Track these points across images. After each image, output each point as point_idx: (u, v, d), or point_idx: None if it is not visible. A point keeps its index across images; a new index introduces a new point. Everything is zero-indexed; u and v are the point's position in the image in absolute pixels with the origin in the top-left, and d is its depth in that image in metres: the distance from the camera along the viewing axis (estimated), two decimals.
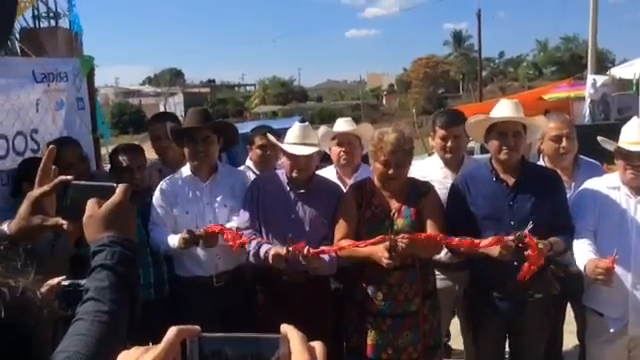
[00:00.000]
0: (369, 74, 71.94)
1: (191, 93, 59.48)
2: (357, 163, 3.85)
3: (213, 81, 75.44)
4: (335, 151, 3.80)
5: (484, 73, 46.42)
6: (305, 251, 3.02)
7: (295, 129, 3.37)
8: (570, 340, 3.74)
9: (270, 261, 3.09)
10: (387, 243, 2.90)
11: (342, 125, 3.87)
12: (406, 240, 2.88)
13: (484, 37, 44.62)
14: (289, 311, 3.29)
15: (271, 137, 3.79)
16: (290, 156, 3.28)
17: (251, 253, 3.25)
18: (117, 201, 1.35)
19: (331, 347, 3.07)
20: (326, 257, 3.17)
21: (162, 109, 43.38)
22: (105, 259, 1.24)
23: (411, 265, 3.10)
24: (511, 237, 2.84)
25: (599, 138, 3.34)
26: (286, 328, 0.81)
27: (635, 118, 3.29)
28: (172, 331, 0.81)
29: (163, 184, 3.51)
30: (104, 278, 1.22)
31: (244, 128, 5.68)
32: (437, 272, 3.59)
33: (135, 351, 0.82)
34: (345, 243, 3.08)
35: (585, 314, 3.32)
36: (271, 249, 3.12)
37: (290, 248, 3.03)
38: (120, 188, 1.36)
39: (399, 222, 3.13)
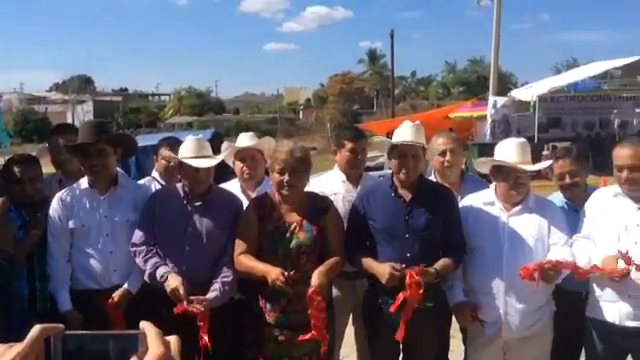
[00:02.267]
0: (287, 88, 72.37)
1: (102, 101, 57.41)
2: (260, 177, 3.91)
3: (125, 89, 73.17)
4: (238, 166, 3.87)
5: (397, 91, 48.00)
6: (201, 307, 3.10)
7: (189, 142, 3.41)
8: (453, 344, 4.00)
9: (168, 292, 3.15)
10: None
11: (244, 140, 3.97)
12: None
13: (398, 57, 46.17)
14: (189, 322, 3.34)
15: (167, 152, 3.85)
16: (190, 169, 3.32)
17: (147, 273, 3.27)
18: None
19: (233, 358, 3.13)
20: (217, 291, 3.23)
21: (70, 117, 41.64)
22: None
23: (310, 278, 3.16)
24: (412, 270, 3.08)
25: (478, 160, 3.64)
26: (144, 324, 0.87)
27: (511, 139, 3.61)
28: (35, 329, 0.86)
29: (61, 195, 3.45)
30: None
31: (157, 139, 5.63)
32: (336, 281, 3.76)
33: None
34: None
35: None
36: (169, 279, 3.17)
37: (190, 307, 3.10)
38: None
39: (300, 236, 3.21)
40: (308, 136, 34.72)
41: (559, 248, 3.25)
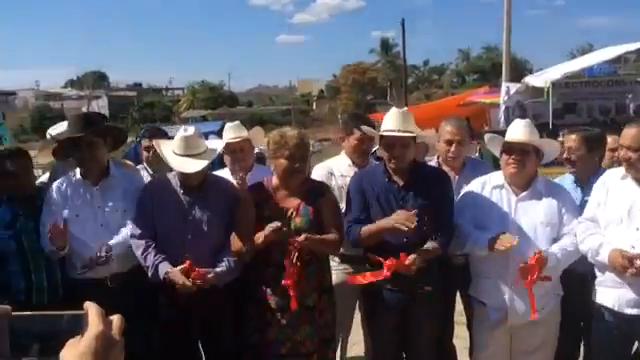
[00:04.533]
0: (300, 80, 72.28)
1: (116, 96, 57.85)
2: (250, 164, 4.03)
3: (140, 84, 73.58)
4: (227, 159, 3.95)
5: (410, 80, 47.73)
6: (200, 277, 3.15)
7: (178, 141, 3.34)
8: (460, 331, 3.96)
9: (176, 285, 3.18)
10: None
11: (231, 132, 4.00)
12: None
13: (410, 45, 45.92)
14: (190, 310, 3.35)
15: (157, 146, 3.80)
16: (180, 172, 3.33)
17: (149, 271, 3.28)
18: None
19: (232, 346, 3.18)
20: (224, 267, 3.26)
21: None
22: None
23: (309, 262, 3.21)
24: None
25: (486, 137, 3.60)
26: (87, 304, 0.88)
27: (517, 120, 3.56)
28: None
29: (56, 185, 3.47)
30: None
31: (173, 132, 5.69)
32: (342, 266, 3.76)
33: None
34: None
35: (471, 304, 3.54)
36: (169, 273, 3.20)
37: (189, 279, 3.15)
38: None
39: (297, 220, 3.24)
40: (322, 127, 34.58)
41: (566, 238, 3.22)
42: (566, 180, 3.68)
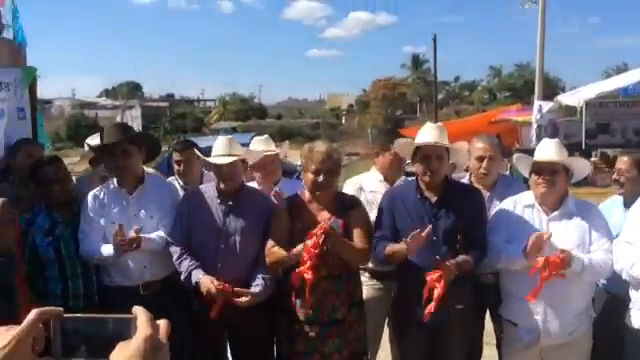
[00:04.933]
0: (329, 93, 72.58)
1: (149, 107, 58.75)
2: (278, 177, 4.11)
3: (172, 95, 74.76)
4: (257, 173, 4.01)
5: (440, 96, 47.51)
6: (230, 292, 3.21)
7: (220, 142, 3.50)
8: (489, 351, 3.92)
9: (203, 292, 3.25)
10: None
11: (260, 145, 4.06)
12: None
13: (441, 62, 45.79)
14: (223, 320, 3.39)
15: (197, 152, 3.92)
16: (214, 166, 3.42)
17: (182, 276, 3.36)
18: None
19: (264, 355, 3.22)
20: (259, 287, 3.31)
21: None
22: None
23: (338, 275, 3.23)
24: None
25: (514, 157, 3.60)
26: (136, 309, 0.92)
27: (546, 139, 3.55)
28: (33, 312, 0.91)
29: (93, 194, 3.55)
30: None
31: (203, 143, 5.82)
32: (371, 282, 3.76)
33: None
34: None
35: (502, 325, 3.50)
36: (202, 280, 3.26)
37: (219, 287, 3.21)
38: None
39: None
40: (350, 141, 34.64)
41: (595, 254, 3.18)
42: (615, 202, 3.66)
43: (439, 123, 3.58)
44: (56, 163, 3.53)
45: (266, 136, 4.31)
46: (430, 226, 3.10)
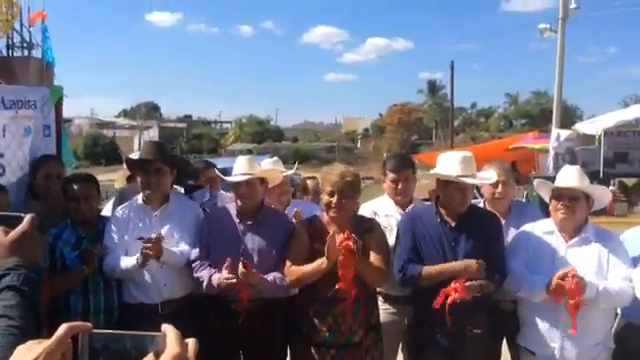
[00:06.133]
0: (345, 117, 72.98)
1: (167, 127, 59.45)
2: (289, 198, 4.21)
3: (190, 116, 75.55)
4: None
5: (456, 122, 47.58)
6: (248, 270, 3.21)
7: (240, 161, 3.57)
8: None
9: (220, 285, 3.25)
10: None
11: (268, 167, 4.11)
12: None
13: (458, 88, 45.98)
14: (239, 340, 3.40)
15: (216, 172, 4.05)
16: (233, 185, 3.48)
17: (204, 283, 3.37)
18: (22, 230, 1.46)
19: None
20: (269, 278, 3.31)
21: (137, 142, 43.25)
22: (11, 281, 1.36)
23: (356, 298, 3.21)
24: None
25: (535, 182, 3.59)
26: (165, 327, 0.92)
27: (567, 166, 3.54)
28: (63, 327, 0.93)
29: (118, 211, 3.62)
30: (11, 298, 1.33)
31: (219, 164, 5.88)
32: (385, 306, 3.75)
33: (29, 343, 0.92)
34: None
35: (519, 353, 3.47)
36: (223, 275, 3.26)
37: (242, 267, 3.20)
38: (26, 218, 1.48)
39: None
40: (365, 165, 34.70)
41: (612, 280, 3.15)
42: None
43: (469, 152, 3.53)
44: (85, 181, 3.58)
45: (275, 158, 4.39)
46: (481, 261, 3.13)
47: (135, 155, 4.42)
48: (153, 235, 3.30)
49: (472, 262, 3.14)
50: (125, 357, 0.91)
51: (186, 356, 0.90)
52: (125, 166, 4.43)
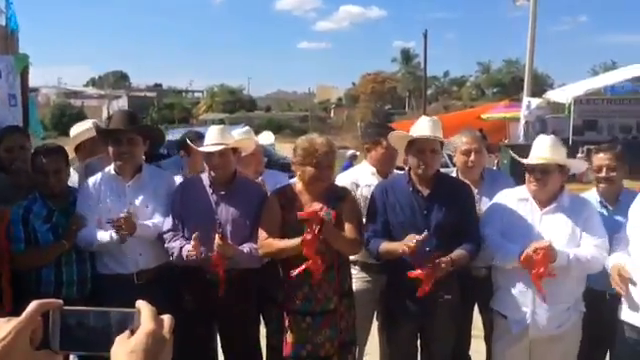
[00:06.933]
0: (319, 86, 72.47)
1: (136, 97, 58.39)
2: (262, 169, 4.16)
3: (160, 85, 74.30)
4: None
5: (429, 91, 47.76)
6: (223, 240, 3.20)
7: (212, 131, 3.50)
8: (477, 343, 3.97)
9: (189, 258, 3.23)
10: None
11: (239, 136, 3.99)
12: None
13: (431, 57, 45.94)
14: (213, 310, 3.40)
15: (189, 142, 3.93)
16: (205, 155, 3.42)
17: (175, 254, 3.35)
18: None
19: (253, 346, 3.24)
20: (244, 249, 3.31)
21: (105, 112, 42.45)
22: None
23: (330, 266, 3.25)
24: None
25: (512, 152, 3.63)
26: (139, 303, 0.91)
27: (542, 135, 3.57)
28: (32, 304, 0.90)
29: (89, 183, 3.54)
30: None
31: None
32: (360, 274, 3.79)
33: None
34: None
35: (492, 317, 3.55)
36: (192, 245, 3.22)
37: (218, 240, 3.18)
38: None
39: None
40: (339, 135, 34.65)
41: (584, 248, 3.20)
42: (591, 198, 3.63)
43: (434, 117, 3.60)
44: (54, 154, 3.46)
45: (247, 127, 4.33)
46: (426, 233, 3.10)
47: (80, 127, 4.29)
48: (122, 214, 3.24)
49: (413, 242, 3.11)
50: (99, 334, 0.90)
51: (161, 332, 0.89)
52: (72, 136, 4.32)
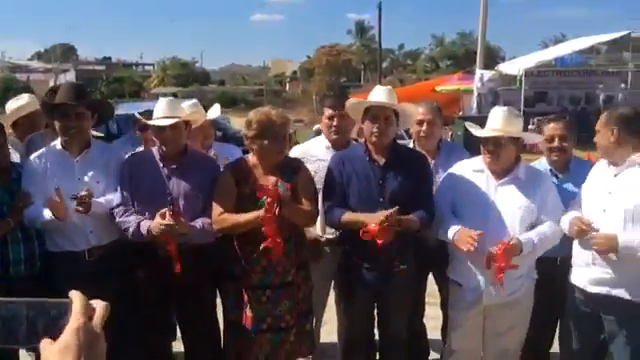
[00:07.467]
0: (273, 60, 71.76)
1: (84, 70, 56.55)
2: (211, 142, 4.17)
3: (109, 59, 72.10)
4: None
5: (385, 64, 47.89)
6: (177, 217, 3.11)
7: (161, 104, 3.39)
8: (433, 311, 4.04)
9: (153, 231, 3.13)
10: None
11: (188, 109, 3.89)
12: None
13: (386, 30, 45.91)
14: (167, 287, 3.33)
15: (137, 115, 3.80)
16: (155, 129, 3.32)
17: (130, 229, 3.25)
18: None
19: (211, 322, 3.19)
20: (197, 224, 3.24)
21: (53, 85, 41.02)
22: None
23: (288, 239, 3.21)
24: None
25: (466, 124, 3.65)
26: (72, 294, 0.87)
27: (497, 107, 3.58)
28: None
29: (34, 158, 3.40)
30: None
31: (141, 108, 5.65)
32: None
33: None
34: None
35: (448, 285, 3.60)
36: (154, 223, 3.14)
37: (169, 216, 3.08)
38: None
39: None
40: (294, 109, 34.46)
41: (544, 224, 3.26)
42: (540, 168, 3.67)
43: (389, 86, 3.60)
44: None
45: (195, 100, 4.24)
46: (397, 208, 3.09)
47: (17, 101, 4.16)
48: (83, 193, 3.14)
49: (385, 213, 3.09)
50: (35, 325, 0.86)
51: (90, 326, 0.84)
52: (8, 111, 4.12)
